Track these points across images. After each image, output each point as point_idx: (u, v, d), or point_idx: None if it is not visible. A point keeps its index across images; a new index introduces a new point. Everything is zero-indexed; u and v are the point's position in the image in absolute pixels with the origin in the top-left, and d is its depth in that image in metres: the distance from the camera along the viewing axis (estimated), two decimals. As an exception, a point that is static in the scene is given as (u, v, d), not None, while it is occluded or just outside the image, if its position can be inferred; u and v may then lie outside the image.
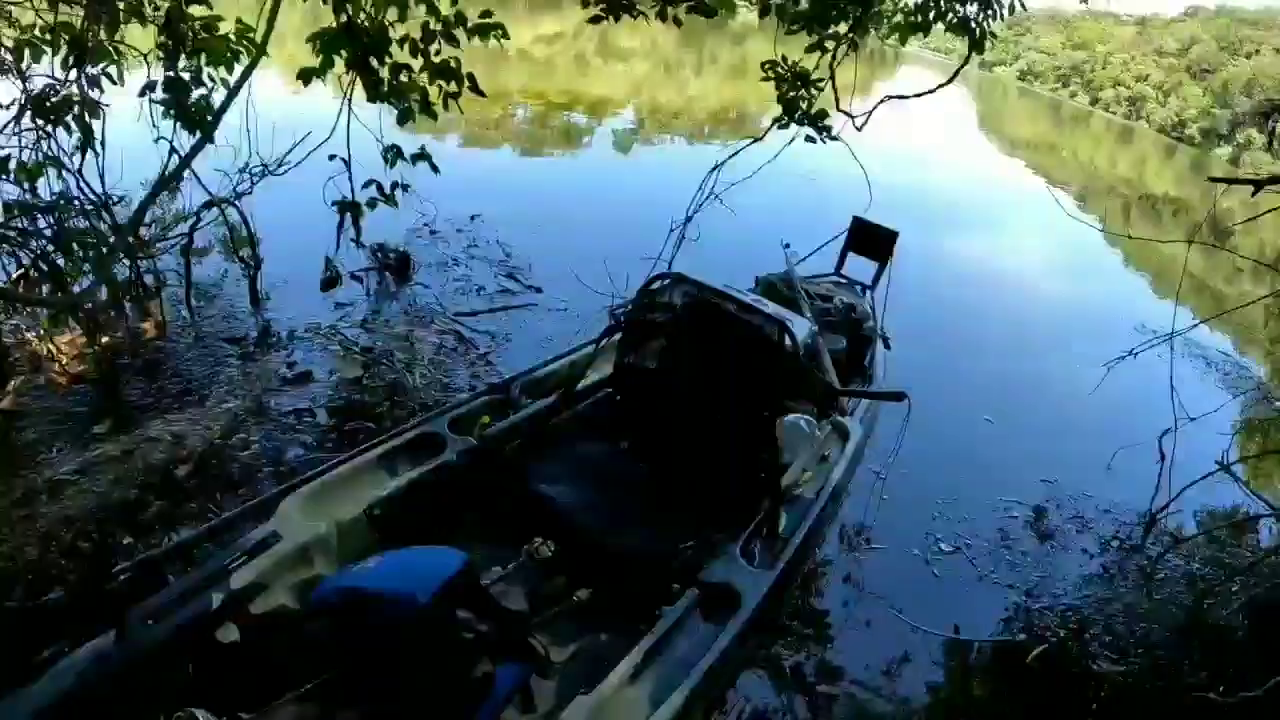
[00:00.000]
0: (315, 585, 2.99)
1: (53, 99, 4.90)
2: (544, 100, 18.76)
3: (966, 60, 5.64)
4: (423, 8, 4.92)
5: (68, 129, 4.98)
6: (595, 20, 5.25)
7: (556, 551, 3.61)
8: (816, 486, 4.05)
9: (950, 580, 5.24)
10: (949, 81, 6.04)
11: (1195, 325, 4.74)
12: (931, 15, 5.65)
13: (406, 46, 4.96)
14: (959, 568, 5.37)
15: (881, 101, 5.70)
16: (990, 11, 5.67)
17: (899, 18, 5.57)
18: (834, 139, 5.58)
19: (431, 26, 4.97)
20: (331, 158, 5.52)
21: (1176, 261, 19.18)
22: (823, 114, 5.38)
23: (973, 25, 5.67)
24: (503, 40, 5.03)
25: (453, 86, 5.09)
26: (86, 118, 4.94)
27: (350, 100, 5.28)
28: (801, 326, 4.60)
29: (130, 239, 5.50)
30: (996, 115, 52.79)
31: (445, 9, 4.98)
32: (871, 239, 6.59)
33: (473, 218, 9.08)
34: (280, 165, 6.27)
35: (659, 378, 4.34)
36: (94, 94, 4.93)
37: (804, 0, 5.20)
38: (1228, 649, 5.07)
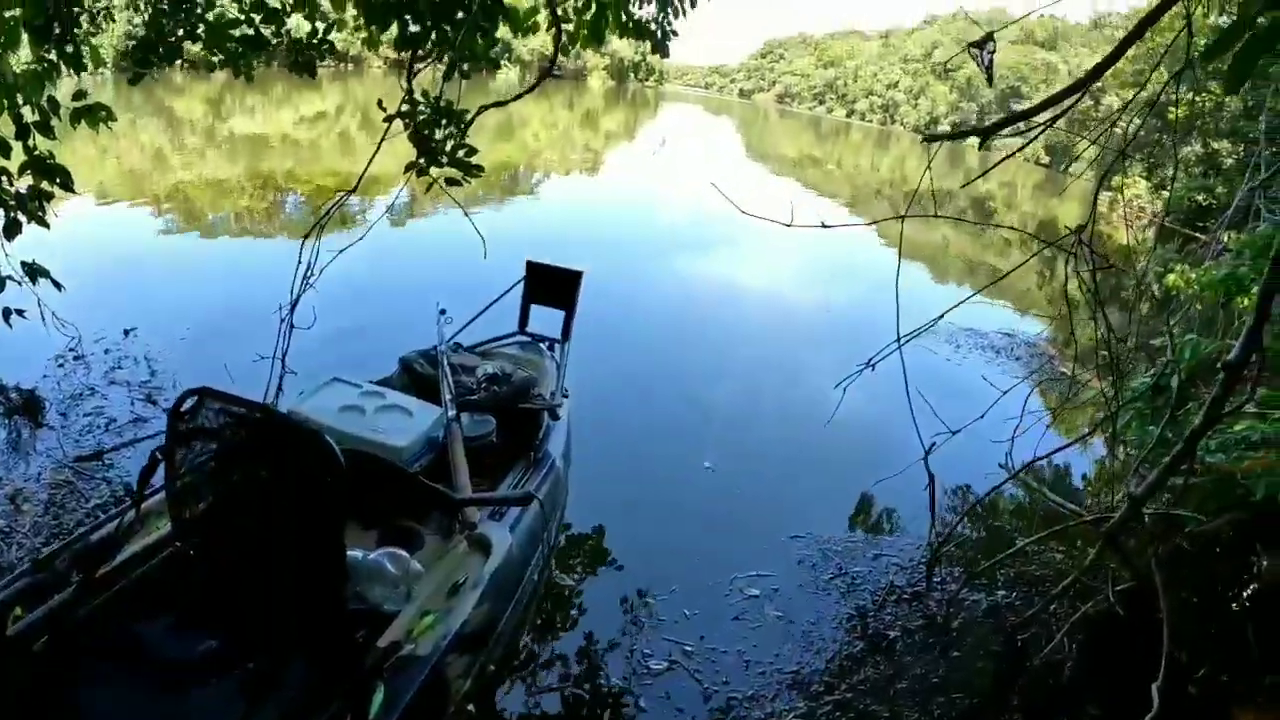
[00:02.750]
0: None
1: None
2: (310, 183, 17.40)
3: (549, 71, 4.72)
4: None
5: None
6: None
7: None
8: (438, 635, 2.91)
9: (659, 711, 3.88)
10: (531, 89, 5.12)
11: (939, 319, 3.79)
12: (603, 22, 4.76)
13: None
14: (676, 689, 3.99)
15: (480, 110, 4.56)
16: (670, 11, 4.87)
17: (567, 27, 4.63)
18: (474, 175, 4.45)
19: (26, 119, 4.46)
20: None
21: (948, 254, 19.99)
22: (469, 149, 4.33)
23: (652, 27, 4.84)
24: (109, 123, 4.64)
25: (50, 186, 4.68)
26: None
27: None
28: (422, 420, 4.00)
29: None
30: (761, 140, 55.08)
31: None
32: (553, 284, 5.64)
33: (126, 332, 7.66)
34: None
35: (214, 521, 3.09)
36: None
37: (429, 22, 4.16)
38: (1060, 690, 4.28)
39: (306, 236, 4.76)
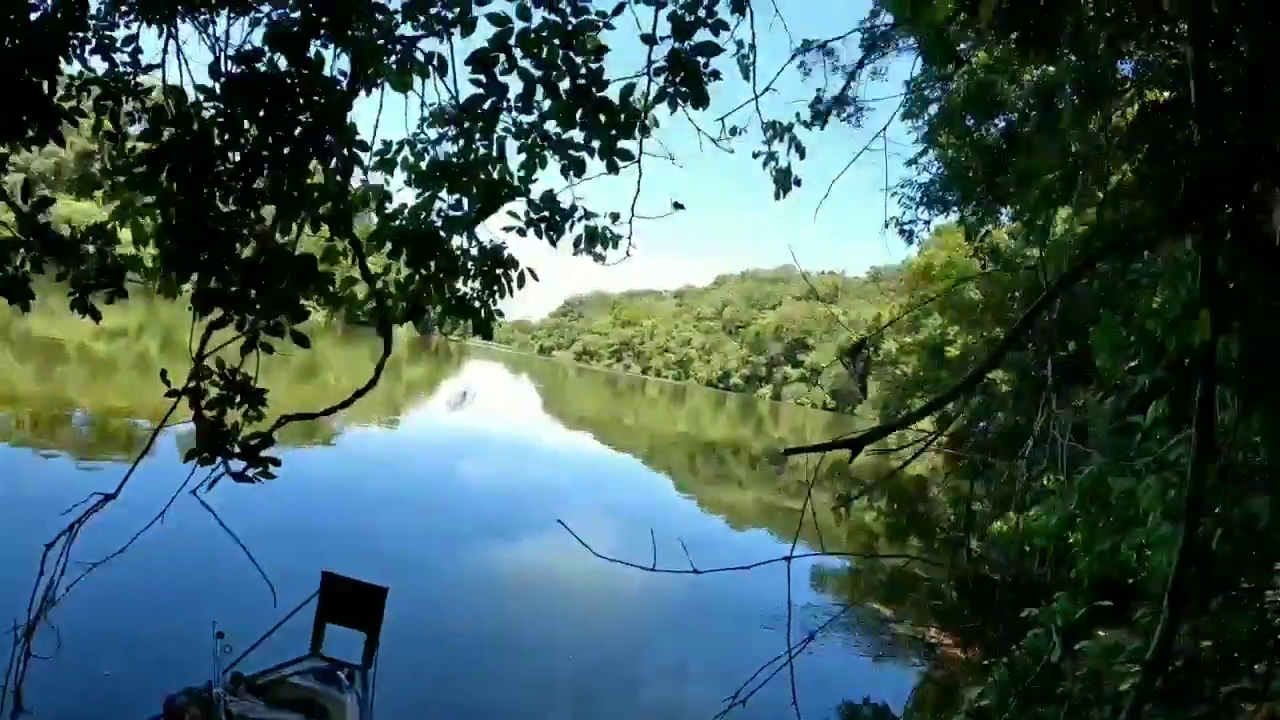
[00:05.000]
0: None
1: None
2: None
3: (381, 363, 4.34)
4: None
5: None
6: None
7: None
8: None
9: None
10: (370, 386, 4.57)
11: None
12: (425, 296, 4.53)
13: None
14: None
15: (280, 423, 4.07)
16: (496, 288, 4.70)
17: (375, 302, 4.33)
18: (267, 475, 3.87)
19: None
20: None
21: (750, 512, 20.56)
22: (266, 439, 3.81)
23: (476, 305, 4.63)
24: None
25: None
26: None
27: None
28: None
29: None
30: (559, 395, 56.39)
31: None
32: (353, 602, 4.99)
33: None
34: None
35: None
36: None
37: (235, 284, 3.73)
38: None
39: (50, 545, 3.88)
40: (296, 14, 4.54)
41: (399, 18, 4.84)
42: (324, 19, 4.22)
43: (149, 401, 18.66)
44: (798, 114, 6.17)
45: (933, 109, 15.08)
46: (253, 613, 5.12)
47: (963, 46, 11.10)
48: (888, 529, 22.17)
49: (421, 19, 5.30)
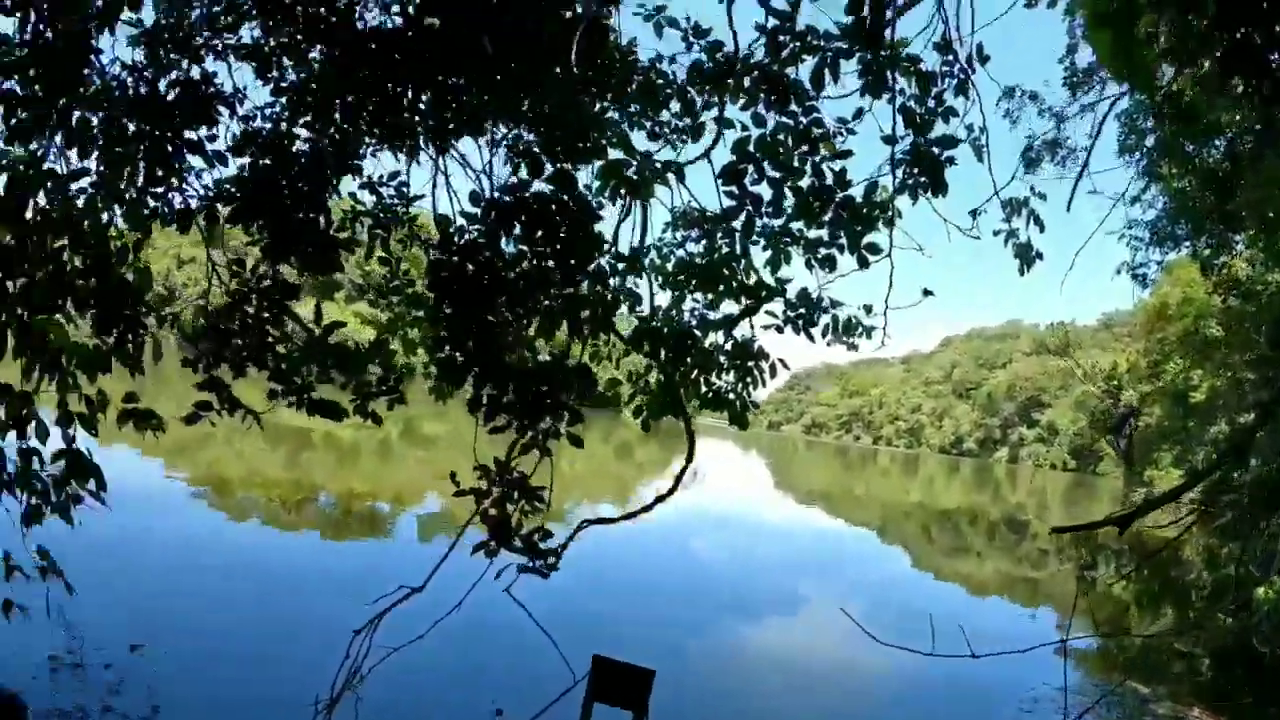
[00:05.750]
0: None
1: None
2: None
3: (685, 469, 4.61)
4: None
5: None
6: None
7: None
8: None
9: None
10: (670, 493, 4.89)
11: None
12: (683, 391, 4.78)
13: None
14: None
15: (580, 528, 4.42)
16: (749, 380, 4.89)
17: (639, 399, 4.65)
18: (552, 567, 4.21)
19: (72, 407, 4.16)
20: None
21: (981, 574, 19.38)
22: (545, 533, 4.14)
23: (731, 397, 4.83)
24: (157, 433, 4.35)
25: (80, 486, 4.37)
26: None
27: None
28: None
29: None
30: (789, 470, 55.71)
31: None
32: (622, 682, 5.17)
33: (133, 648, 7.01)
34: None
35: None
36: None
37: (510, 391, 4.15)
38: None
39: (359, 632, 4.40)
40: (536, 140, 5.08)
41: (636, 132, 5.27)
42: (578, 144, 4.68)
43: (390, 485, 20.31)
44: (1032, 187, 5.99)
45: (1149, 140, 14.03)
46: (522, 693, 5.43)
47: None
48: (1137, 597, 20.03)
49: (657, 130, 5.74)
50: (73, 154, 5.02)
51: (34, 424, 4.12)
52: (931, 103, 4.71)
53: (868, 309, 5.10)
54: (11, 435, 4.12)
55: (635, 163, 4.87)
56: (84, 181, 4.90)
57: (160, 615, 8.07)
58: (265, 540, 12.92)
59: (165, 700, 6.43)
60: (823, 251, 4.86)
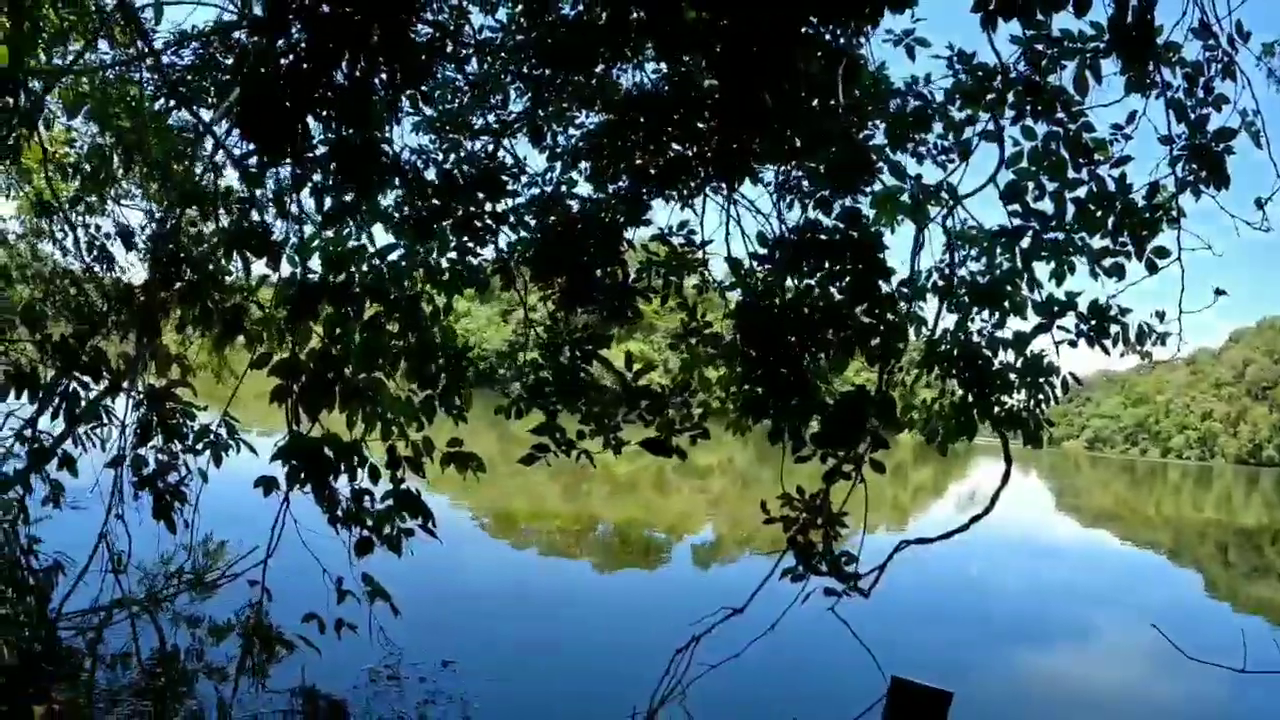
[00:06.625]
0: None
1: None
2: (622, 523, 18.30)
3: (1004, 483, 4.59)
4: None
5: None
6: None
7: None
8: None
9: None
10: (986, 512, 4.94)
11: None
12: (975, 412, 4.78)
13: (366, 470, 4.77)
14: None
15: (899, 549, 4.50)
16: (1041, 397, 4.80)
17: (937, 422, 4.69)
18: (858, 589, 4.33)
19: (400, 452, 4.86)
20: (252, 584, 5.44)
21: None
22: (849, 558, 4.27)
23: (1024, 415, 4.76)
24: (479, 473, 4.91)
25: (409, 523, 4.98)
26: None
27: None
28: None
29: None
30: (1072, 490, 51.62)
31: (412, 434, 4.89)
32: (919, 704, 5.13)
33: (445, 664, 7.67)
34: (207, 577, 6.30)
35: None
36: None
37: (815, 423, 4.34)
38: None
39: (681, 651, 4.75)
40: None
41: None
42: (858, 174, 4.85)
43: (663, 515, 21.05)
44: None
45: None
46: (818, 711, 5.53)
47: None
48: None
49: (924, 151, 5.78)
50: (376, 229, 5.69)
51: (366, 467, 4.75)
52: (1200, 92, 4.49)
53: (1160, 315, 4.88)
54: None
55: (909, 188, 4.97)
56: (394, 255, 5.62)
57: (468, 634, 8.77)
58: (552, 566, 13.80)
59: (476, 712, 6.99)
60: (1109, 260, 4.72)
